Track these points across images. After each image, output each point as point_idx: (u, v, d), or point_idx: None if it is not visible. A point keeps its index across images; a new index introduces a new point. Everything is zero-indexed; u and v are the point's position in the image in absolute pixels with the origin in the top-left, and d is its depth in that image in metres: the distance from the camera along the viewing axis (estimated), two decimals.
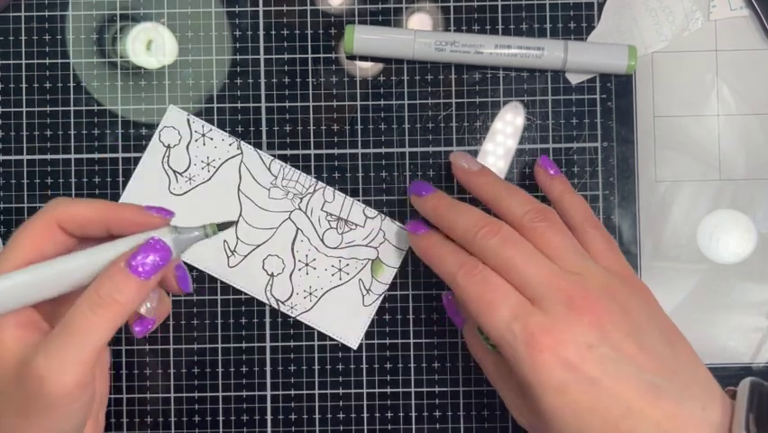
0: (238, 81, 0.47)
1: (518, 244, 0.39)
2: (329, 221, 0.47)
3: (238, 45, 0.47)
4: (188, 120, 0.47)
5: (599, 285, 0.38)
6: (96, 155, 0.47)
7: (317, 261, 0.47)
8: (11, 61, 0.47)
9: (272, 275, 0.47)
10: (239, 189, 0.47)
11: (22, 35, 0.47)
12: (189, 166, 0.47)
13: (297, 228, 0.47)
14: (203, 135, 0.47)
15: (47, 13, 0.47)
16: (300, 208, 0.47)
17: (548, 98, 0.48)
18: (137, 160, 0.47)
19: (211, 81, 0.47)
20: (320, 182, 0.47)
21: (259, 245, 0.47)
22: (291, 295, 0.47)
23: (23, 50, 0.47)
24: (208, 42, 0.47)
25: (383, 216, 0.47)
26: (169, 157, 0.47)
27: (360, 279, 0.47)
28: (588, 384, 0.35)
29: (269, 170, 0.47)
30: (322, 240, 0.47)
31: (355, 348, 0.47)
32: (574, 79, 0.47)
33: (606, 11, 0.47)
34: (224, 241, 0.47)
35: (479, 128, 0.48)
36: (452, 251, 0.40)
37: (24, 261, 0.36)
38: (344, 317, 0.47)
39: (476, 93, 0.48)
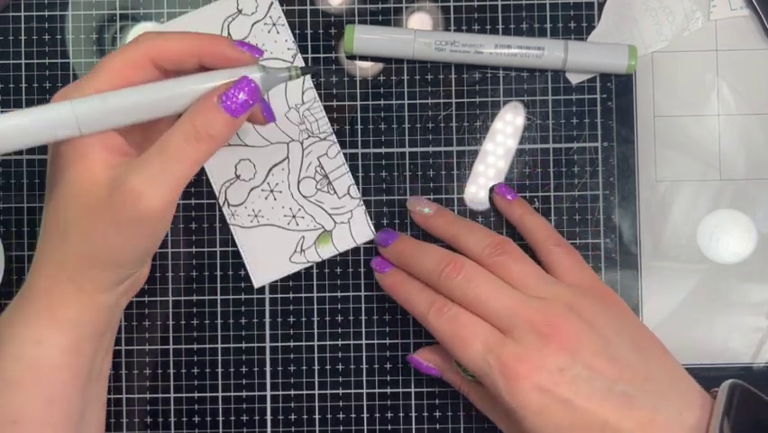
0: None
1: (482, 279, 0.41)
2: (316, 171, 0.47)
3: None
4: (272, 3, 0.47)
5: (565, 306, 0.40)
6: None
7: (282, 195, 0.47)
8: (11, 61, 0.47)
9: (237, 177, 0.47)
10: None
11: (22, 35, 0.47)
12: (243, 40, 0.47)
13: (287, 157, 0.47)
14: (273, 25, 0.47)
15: (47, 13, 0.47)
16: (302, 144, 0.47)
17: (548, 98, 0.48)
18: None
19: None
20: (334, 136, 0.47)
21: (245, 145, 0.47)
22: (240, 205, 0.47)
23: (23, 50, 0.47)
24: None
25: (362, 204, 0.47)
26: (231, 22, 0.47)
27: (303, 236, 0.47)
28: (563, 405, 0.38)
29: (302, 93, 0.47)
30: (298, 182, 0.47)
31: (256, 288, 0.47)
32: (575, 79, 0.47)
33: (606, 11, 0.47)
34: None
35: (479, 128, 0.48)
36: (420, 289, 0.42)
37: (112, 87, 0.37)
38: (267, 256, 0.47)
39: (476, 93, 0.48)
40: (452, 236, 0.44)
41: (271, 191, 0.47)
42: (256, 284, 0.47)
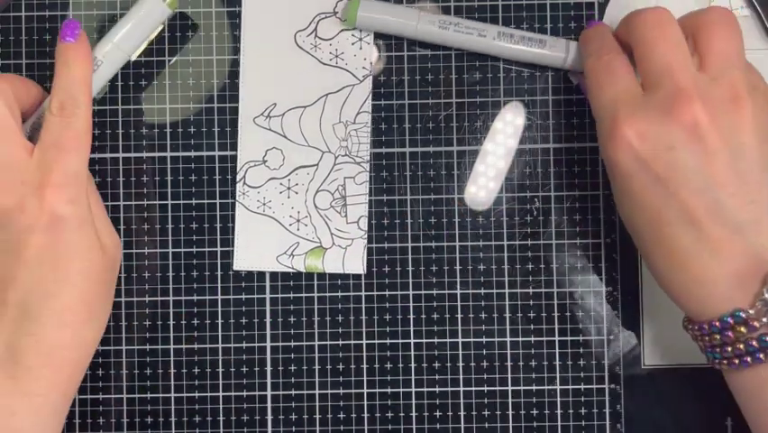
0: (238, 81, 0.47)
1: (668, 30, 0.39)
2: (338, 189, 0.47)
3: (238, 45, 0.47)
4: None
5: (725, 96, 0.37)
6: (97, 155, 0.47)
7: (297, 196, 0.47)
8: (11, 61, 0.47)
9: (263, 162, 0.47)
10: (330, 94, 0.47)
11: (22, 35, 0.47)
12: (330, 40, 0.47)
13: (317, 165, 0.47)
14: (360, 39, 0.47)
15: (47, 13, 0.47)
16: (335, 159, 0.47)
17: (549, 98, 0.48)
18: (137, 159, 0.47)
19: (211, 81, 0.47)
20: (366, 166, 0.47)
21: (284, 137, 0.47)
22: (254, 188, 0.47)
23: (23, 50, 0.47)
24: (208, 42, 0.47)
25: (365, 237, 0.47)
26: (322, 19, 0.47)
27: (298, 242, 0.47)
28: (653, 180, 0.37)
29: (357, 114, 0.47)
30: (317, 191, 0.47)
31: (233, 269, 0.47)
32: (577, 80, 0.47)
33: (609, 12, 0.47)
34: (273, 104, 0.47)
35: (479, 128, 0.48)
36: (600, 35, 0.43)
37: None
38: (257, 246, 0.47)
39: (476, 93, 0.48)
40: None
41: (288, 188, 0.47)
42: (235, 267, 0.47)
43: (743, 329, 0.37)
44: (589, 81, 0.41)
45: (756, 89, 0.38)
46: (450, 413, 0.47)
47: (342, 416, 0.47)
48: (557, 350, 0.47)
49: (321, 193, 0.47)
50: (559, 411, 0.47)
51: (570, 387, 0.47)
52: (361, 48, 0.47)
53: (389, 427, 0.47)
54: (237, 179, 0.47)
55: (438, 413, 0.47)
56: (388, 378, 0.47)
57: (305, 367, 0.47)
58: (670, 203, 0.37)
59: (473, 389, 0.47)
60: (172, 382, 0.47)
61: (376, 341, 0.47)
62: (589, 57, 0.42)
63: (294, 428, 0.47)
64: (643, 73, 0.39)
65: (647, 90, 0.39)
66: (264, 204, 0.47)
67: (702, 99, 0.37)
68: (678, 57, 0.38)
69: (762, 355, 0.37)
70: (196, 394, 0.47)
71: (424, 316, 0.47)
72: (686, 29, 0.39)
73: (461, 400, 0.47)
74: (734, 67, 0.38)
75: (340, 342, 0.47)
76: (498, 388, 0.47)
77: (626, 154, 0.38)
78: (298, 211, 0.47)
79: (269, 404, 0.47)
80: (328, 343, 0.47)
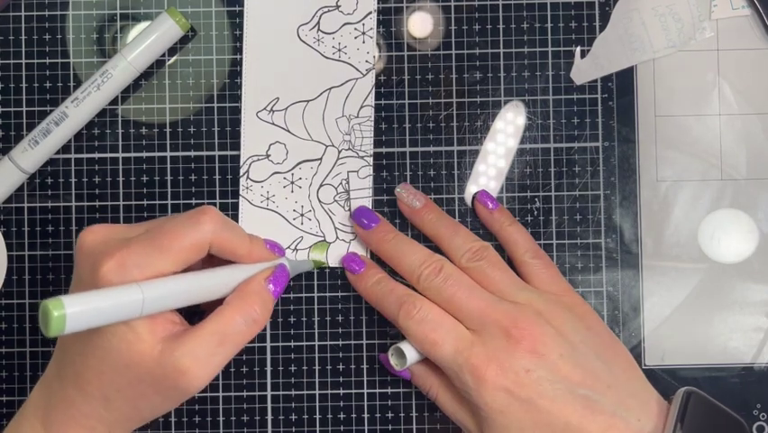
0: (238, 81, 0.47)
1: (458, 281, 0.43)
2: (341, 183, 0.47)
3: (238, 45, 0.47)
4: (370, 13, 0.47)
5: (535, 311, 0.42)
6: (96, 155, 0.47)
7: (300, 190, 0.47)
8: (11, 61, 0.47)
9: (267, 156, 0.47)
10: (333, 88, 0.47)
11: (22, 35, 0.47)
12: (335, 32, 0.47)
13: (321, 159, 0.47)
14: (363, 33, 0.47)
15: (47, 13, 0.47)
16: (339, 153, 0.47)
17: (549, 98, 0.47)
18: (137, 159, 0.47)
19: (211, 81, 0.47)
20: (370, 160, 0.47)
21: (287, 131, 0.47)
22: (258, 183, 0.47)
23: (23, 50, 0.47)
24: (208, 42, 0.47)
25: None
26: (325, 13, 0.47)
27: (302, 237, 0.47)
28: (527, 405, 0.40)
29: (360, 107, 0.47)
30: (320, 185, 0.47)
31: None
32: (579, 79, 0.47)
33: (615, 14, 0.47)
34: (276, 98, 0.47)
35: (479, 128, 0.48)
36: (390, 290, 0.44)
37: (175, 268, 0.38)
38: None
39: (477, 92, 0.47)
40: (434, 235, 0.45)
41: (292, 183, 0.47)
42: None
43: None
44: (419, 345, 0.42)
45: (554, 300, 0.43)
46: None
47: (342, 416, 0.47)
48: None
49: (324, 187, 0.47)
50: None
51: None
52: (363, 42, 0.47)
53: (389, 427, 0.47)
54: (240, 174, 0.47)
55: (438, 413, 0.47)
56: (388, 378, 0.47)
57: (305, 367, 0.47)
58: (549, 418, 0.40)
59: None
60: None
61: (376, 341, 0.47)
62: (396, 319, 0.43)
63: (294, 429, 0.47)
64: (464, 322, 0.42)
65: (476, 333, 0.41)
66: (268, 198, 0.47)
67: (525, 322, 0.41)
68: (482, 299, 0.42)
69: None
70: (197, 394, 0.47)
71: None
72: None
73: None
74: (518, 288, 0.43)
75: (340, 342, 0.47)
76: None
77: (497, 392, 0.40)
78: (302, 205, 0.47)
79: (269, 404, 0.47)
80: (328, 343, 0.47)
